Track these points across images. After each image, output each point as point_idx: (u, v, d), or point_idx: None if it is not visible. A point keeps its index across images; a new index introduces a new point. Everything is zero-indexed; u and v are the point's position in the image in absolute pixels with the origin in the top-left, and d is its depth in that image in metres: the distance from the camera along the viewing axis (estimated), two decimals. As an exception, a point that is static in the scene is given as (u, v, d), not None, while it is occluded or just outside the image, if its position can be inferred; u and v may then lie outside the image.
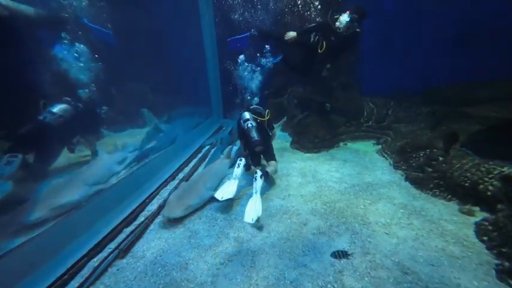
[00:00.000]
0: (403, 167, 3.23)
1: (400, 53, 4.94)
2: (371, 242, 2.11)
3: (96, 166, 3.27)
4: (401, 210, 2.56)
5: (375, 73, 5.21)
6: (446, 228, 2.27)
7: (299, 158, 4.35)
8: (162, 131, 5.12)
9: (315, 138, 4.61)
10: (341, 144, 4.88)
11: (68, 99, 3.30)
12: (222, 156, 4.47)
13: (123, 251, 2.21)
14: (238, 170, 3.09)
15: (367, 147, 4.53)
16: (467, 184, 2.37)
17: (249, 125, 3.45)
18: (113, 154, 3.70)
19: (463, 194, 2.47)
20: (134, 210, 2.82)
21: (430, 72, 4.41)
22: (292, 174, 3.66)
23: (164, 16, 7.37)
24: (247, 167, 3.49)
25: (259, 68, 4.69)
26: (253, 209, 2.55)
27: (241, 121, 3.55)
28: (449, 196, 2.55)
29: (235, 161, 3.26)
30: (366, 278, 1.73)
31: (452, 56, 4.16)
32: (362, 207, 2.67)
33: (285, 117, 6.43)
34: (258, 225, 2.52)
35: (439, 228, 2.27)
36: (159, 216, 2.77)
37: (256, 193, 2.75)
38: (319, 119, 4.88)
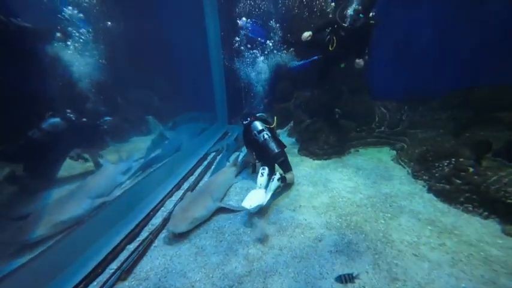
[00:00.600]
0: (424, 177, 3.01)
1: (415, 53, 4.73)
2: (398, 264, 1.90)
3: (100, 177, 3.17)
4: (428, 227, 2.33)
5: (386, 75, 5.02)
6: (491, 254, 1.98)
7: (308, 165, 4.17)
8: (167, 139, 5.03)
9: (324, 144, 4.42)
10: (352, 150, 4.68)
11: (56, 113, 3.20)
12: (228, 164, 4.34)
13: (126, 271, 2.07)
14: (262, 179, 2.97)
15: (381, 154, 4.31)
16: (509, 201, 2.12)
17: (265, 136, 3.39)
18: (118, 164, 3.60)
19: (505, 211, 2.20)
20: (138, 224, 2.69)
21: (450, 74, 4.18)
22: (302, 183, 3.48)
23: (169, 22, 7.42)
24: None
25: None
26: (254, 196, 2.50)
27: (254, 132, 3.45)
28: (486, 213, 2.30)
29: (258, 170, 3.18)
30: None
31: (477, 56, 3.92)
32: (382, 221, 2.47)
33: (292, 123, 6.28)
34: (270, 240, 2.34)
35: (480, 253, 1.99)
36: (163, 231, 2.63)
37: (265, 188, 2.66)
38: (328, 124, 4.70)
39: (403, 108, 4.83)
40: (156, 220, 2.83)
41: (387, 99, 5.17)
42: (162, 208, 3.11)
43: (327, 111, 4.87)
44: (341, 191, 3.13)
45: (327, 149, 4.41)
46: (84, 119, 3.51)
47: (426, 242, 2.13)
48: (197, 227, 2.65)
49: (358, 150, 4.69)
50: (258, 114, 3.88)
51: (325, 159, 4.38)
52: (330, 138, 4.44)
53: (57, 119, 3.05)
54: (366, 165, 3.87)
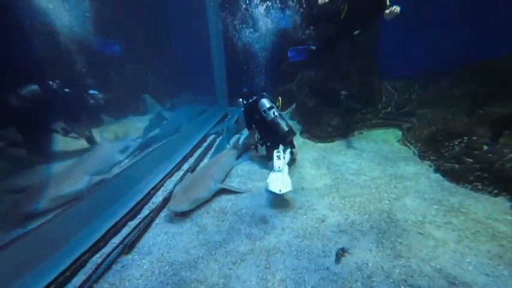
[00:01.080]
0: (431, 157, 2.94)
1: (427, 25, 4.41)
2: (402, 243, 1.90)
3: (98, 154, 3.10)
4: (435, 207, 2.31)
5: (395, 52, 4.74)
6: (499, 230, 1.96)
7: (311, 148, 4.10)
8: (165, 119, 4.90)
9: (328, 126, 4.31)
10: (356, 133, 4.58)
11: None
12: (228, 146, 4.26)
13: (128, 246, 2.08)
14: (280, 162, 2.80)
15: (387, 136, 4.22)
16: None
17: (275, 113, 3.29)
18: (115, 142, 3.52)
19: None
20: (138, 202, 2.68)
21: (464, 48, 3.90)
22: (305, 166, 3.43)
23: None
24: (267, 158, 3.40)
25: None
26: (280, 181, 2.44)
27: (264, 109, 3.31)
28: (496, 191, 2.26)
29: (261, 152, 3.26)
30: (402, 287, 1.54)
31: (494, 27, 3.62)
32: (387, 202, 2.44)
33: (294, 105, 6.10)
34: (272, 220, 2.34)
35: (488, 230, 1.97)
36: (164, 210, 2.63)
37: (279, 169, 2.64)
38: (332, 105, 4.55)
39: (412, 87, 4.63)
40: (157, 199, 2.82)
41: (396, 78, 4.95)
42: (162, 188, 3.09)
43: (331, 92, 4.69)
44: (344, 173, 3.09)
45: (331, 131, 4.30)
46: (67, 90, 3.29)
47: (432, 221, 2.12)
48: (198, 207, 2.64)
49: (362, 133, 4.59)
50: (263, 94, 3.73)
51: (329, 142, 4.29)
52: (333, 121, 4.31)
53: (35, 86, 2.86)
54: (371, 148, 3.80)
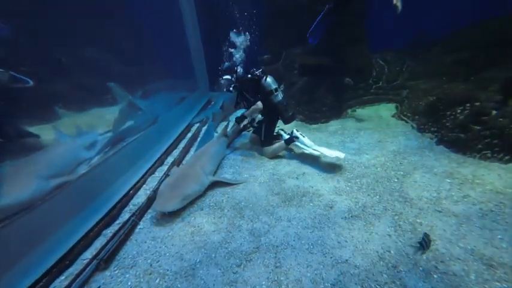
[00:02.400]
0: (431, 129, 2.86)
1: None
2: (422, 223, 1.77)
3: (54, 152, 2.57)
4: (447, 180, 2.21)
5: (385, 22, 4.52)
6: None
7: (305, 130, 3.86)
8: (139, 109, 4.34)
9: (322, 106, 4.10)
10: (349, 111, 4.44)
11: None
12: (216, 134, 3.91)
13: (105, 260, 1.73)
14: (307, 139, 2.96)
15: (381, 112, 4.12)
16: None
17: (282, 94, 3.07)
18: (77, 137, 2.97)
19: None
20: (115, 205, 2.29)
21: (455, 10, 3.78)
22: (301, 152, 3.21)
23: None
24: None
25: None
26: (329, 149, 2.63)
27: (270, 89, 2.98)
28: (508, 157, 2.20)
29: (290, 139, 3.04)
30: (436, 276, 1.40)
31: None
32: (395, 180, 2.31)
33: (282, 86, 5.79)
34: (275, 212, 2.11)
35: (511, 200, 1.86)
36: (149, 211, 2.28)
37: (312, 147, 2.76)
38: (324, 83, 4.30)
39: (403, 58, 4.52)
40: (139, 199, 2.45)
41: (386, 50, 4.80)
42: (144, 186, 2.71)
43: (322, 69, 4.41)
44: (346, 154, 2.91)
45: (325, 111, 4.10)
46: None
47: (447, 196, 2.02)
48: (190, 204, 2.32)
49: (355, 110, 4.46)
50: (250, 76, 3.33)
51: (323, 123, 4.11)
52: (328, 99, 4.10)
53: None
54: (367, 125, 3.67)
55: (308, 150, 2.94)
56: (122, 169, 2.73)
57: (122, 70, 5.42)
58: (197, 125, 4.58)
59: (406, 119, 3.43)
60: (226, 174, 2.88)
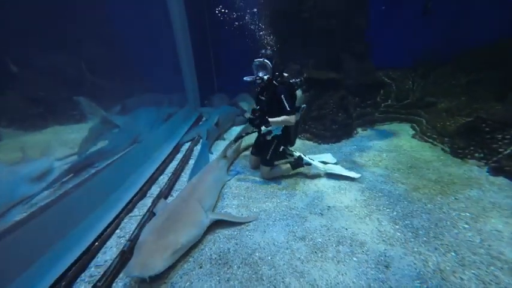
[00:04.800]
0: (476, 155, 2.53)
1: (423, 10, 4.21)
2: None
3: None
4: None
5: (388, 38, 4.47)
6: None
7: (316, 151, 3.45)
8: (116, 126, 3.67)
9: (332, 123, 3.74)
10: (359, 130, 4.13)
11: None
12: (213, 156, 3.35)
13: None
14: (318, 163, 2.72)
15: (396, 131, 3.84)
16: None
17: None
18: (17, 165, 2.23)
19: None
20: (69, 268, 1.58)
21: (464, 31, 3.77)
22: (317, 177, 2.73)
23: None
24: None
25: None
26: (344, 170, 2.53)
27: (298, 106, 2.63)
28: None
29: (298, 163, 2.75)
30: None
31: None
32: (465, 226, 1.81)
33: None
34: (306, 271, 1.54)
35: None
36: (120, 276, 1.60)
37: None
38: (333, 98, 3.99)
39: (409, 76, 4.42)
40: (106, 256, 1.75)
41: (389, 68, 4.71)
42: (118, 232, 2.01)
43: (326, 83, 4.14)
44: (374, 182, 2.48)
45: (336, 129, 3.74)
46: None
47: None
48: (183, 257, 1.70)
49: (366, 130, 4.17)
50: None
51: (334, 143, 3.73)
52: (339, 116, 3.76)
53: None
54: (386, 146, 3.32)
55: (319, 171, 2.71)
56: (85, 207, 2.02)
57: (95, 81, 4.73)
58: (188, 143, 3.99)
59: (431, 140, 3.13)
60: (229, 209, 2.29)
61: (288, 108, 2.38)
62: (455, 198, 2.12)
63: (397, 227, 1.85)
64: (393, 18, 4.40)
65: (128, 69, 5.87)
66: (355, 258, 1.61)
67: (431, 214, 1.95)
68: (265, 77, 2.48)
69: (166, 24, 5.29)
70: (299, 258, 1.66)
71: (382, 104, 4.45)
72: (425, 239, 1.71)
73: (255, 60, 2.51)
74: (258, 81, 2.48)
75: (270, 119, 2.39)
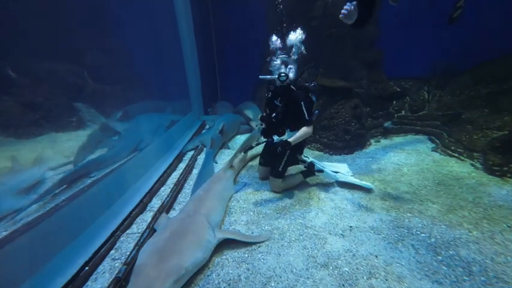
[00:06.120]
0: None
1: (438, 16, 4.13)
2: None
3: None
4: None
5: (399, 46, 4.36)
6: None
7: (328, 164, 3.24)
8: (116, 133, 3.49)
9: (345, 133, 3.55)
10: (372, 141, 3.94)
11: None
12: (218, 166, 3.16)
13: None
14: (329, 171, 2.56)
15: (412, 144, 3.64)
16: None
17: None
18: (5, 176, 2.03)
19: None
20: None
21: (481, 41, 3.64)
22: (333, 191, 2.52)
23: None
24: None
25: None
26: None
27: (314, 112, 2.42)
28: None
29: (309, 172, 2.58)
30: None
31: None
32: None
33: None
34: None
35: None
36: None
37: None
38: (345, 107, 3.83)
39: (423, 87, 4.28)
40: (97, 285, 1.50)
41: (401, 78, 4.58)
42: (112, 253, 1.77)
43: (336, 92, 3.99)
44: (400, 200, 2.23)
45: (349, 139, 3.55)
46: None
47: None
48: (185, 286, 1.45)
49: (379, 141, 3.98)
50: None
51: (346, 154, 3.53)
52: (351, 126, 3.58)
53: None
54: (405, 160, 3.11)
55: (331, 179, 2.58)
56: (76, 224, 1.79)
57: (95, 87, 4.59)
58: (192, 152, 3.79)
59: (457, 155, 2.92)
60: (237, 226, 2.07)
61: (307, 118, 2.19)
62: (509, 226, 1.82)
63: (440, 258, 1.58)
64: (406, 27, 4.30)
65: (129, 74, 5.78)
66: (393, 296, 1.36)
67: (481, 244, 1.66)
68: (291, 75, 2.27)
69: (173, 29, 5.25)
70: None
71: (396, 115, 4.29)
72: (483, 278, 1.41)
73: (280, 56, 2.30)
74: (282, 77, 2.22)
75: (291, 140, 2.17)
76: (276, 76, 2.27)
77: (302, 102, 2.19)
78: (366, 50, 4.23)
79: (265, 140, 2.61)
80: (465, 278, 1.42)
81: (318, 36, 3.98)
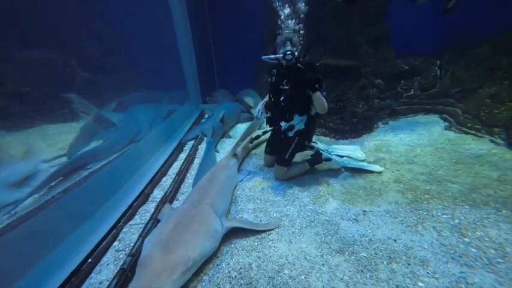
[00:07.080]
0: None
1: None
2: None
3: None
4: None
5: (407, 21, 4.10)
6: None
7: (337, 147, 3.12)
8: (112, 124, 3.36)
9: (353, 116, 3.41)
10: (380, 123, 3.80)
11: None
12: (221, 155, 3.05)
13: None
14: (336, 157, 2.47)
15: (423, 124, 3.49)
16: None
17: None
18: None
19: None
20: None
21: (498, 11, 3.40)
22: (342, 176, 2.41)
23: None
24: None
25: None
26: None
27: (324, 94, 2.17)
28: None
29: (317, 159, 2.46)
30: None
31: None
32: None
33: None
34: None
35: None
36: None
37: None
38: (352, 88, 3.65)
39: (435, 63, 4.07)
40: (101, 276, 1.43)
41: (409, 54, 4.35)
42: (115, 244, 1.70)
43: (341, 71, 3.79)
44: (415, 182, 2.13)
45: (356, 122, 3.41)
46: None
47: None
48: (194, 276, 1.39)
49: (388, 123, 3.83)
50: None
51: (354, 138, 3.39)
52: (359, 108, 3.42)
53: None
54: (417, 140, 2.98)
55: (339, 165, 2.50)
56: (75, 216, 1.71)
57: (88, 77, 4.40)
58: (191, 142, 3.68)
59: (474, 132, 2.78)
60: (245, 214, 1.98)
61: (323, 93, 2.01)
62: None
63: (467, 240, 1.48)
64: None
65: (122, 63, 5.58)
66: (421, 284, 1.26)
67: (501, 228, 1.54)
68: (296, 54, 2.03)
69: (166, 16, 4.99)
70: (342, 278, 1.34)
71: (404, 94, 4.12)
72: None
73: (284, 32, 2.06)
74: (289, 55, 1.98)
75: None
76: (281, 55, 2.07)
77: (315, 78, 1.96)
78: (373, 25, 3.97)
79: (270, 128, 2.47)
80: (499, 260, 1.32)
81: (322, 10, 3.73)
